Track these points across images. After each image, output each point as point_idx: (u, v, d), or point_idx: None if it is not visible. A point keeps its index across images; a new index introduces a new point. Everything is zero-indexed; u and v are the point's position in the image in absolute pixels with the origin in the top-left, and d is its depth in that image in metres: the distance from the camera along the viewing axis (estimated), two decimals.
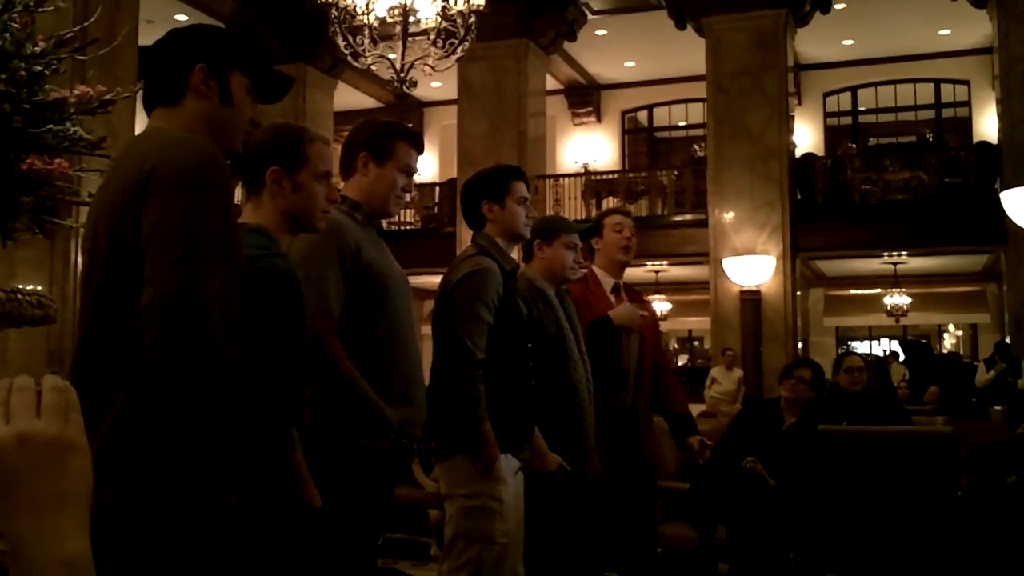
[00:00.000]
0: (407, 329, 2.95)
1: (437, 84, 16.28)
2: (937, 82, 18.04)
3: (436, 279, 3.61)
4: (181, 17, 14.13)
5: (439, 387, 3.31)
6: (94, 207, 1.99)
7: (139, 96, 2.13)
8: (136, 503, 1.75)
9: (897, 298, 19.00)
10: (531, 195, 3.75)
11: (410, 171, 3.06)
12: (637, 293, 4.50)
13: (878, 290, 19.35)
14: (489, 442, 3.22)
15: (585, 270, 4.31)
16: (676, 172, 16.38)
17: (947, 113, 18.34)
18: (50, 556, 0.82)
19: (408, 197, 3.12)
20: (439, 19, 7.46)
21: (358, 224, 2.93)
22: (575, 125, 19.37)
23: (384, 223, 3.29)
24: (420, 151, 3.11)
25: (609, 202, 15.92)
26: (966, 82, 17.63)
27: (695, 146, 17.94)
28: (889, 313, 19.21)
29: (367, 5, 7.50)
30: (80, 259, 10.93)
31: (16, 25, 3.05)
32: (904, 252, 15.63)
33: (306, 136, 2.51)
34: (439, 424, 3.29)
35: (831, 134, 18.54)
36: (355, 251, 2.82)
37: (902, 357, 15.77)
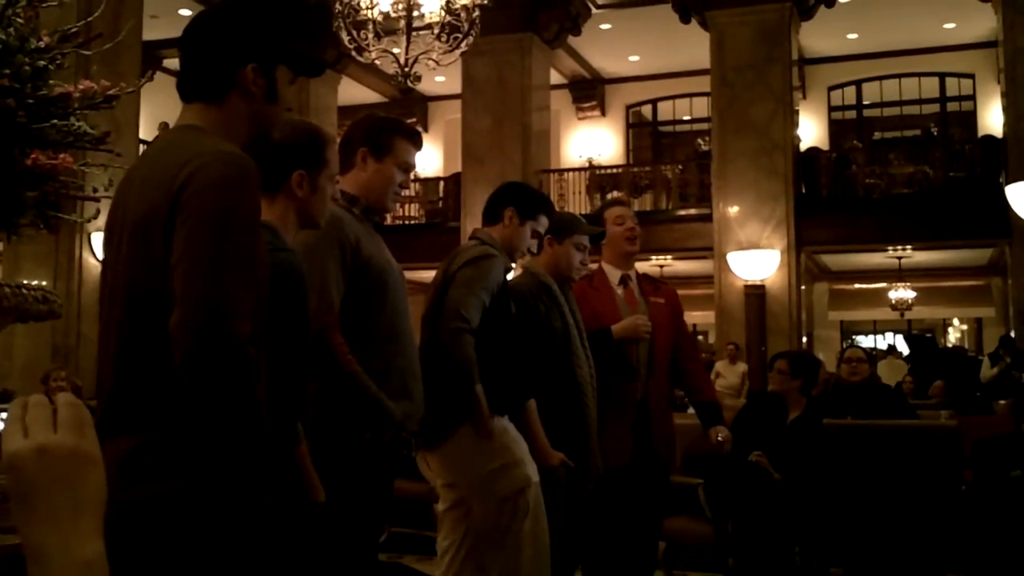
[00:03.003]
0: (405, 324, 2.96)
1: (441, 78, 16.27)
2: (942, 76, 18.00)
3: None
4: (185, 12, 14.14)
5: (429, 375, 3.30)
6: (116, 219, 1.95)
7: (143, 90, 2.10)
8: (177, 504, 1.76)
9: (901, 292, 18.98)
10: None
11: (408, 168, 3.06)
12: (653, 281, 4.43)
13: (882, 284, 19.32)
14: (483, 403, 3.28)
15: (595, 266, 4.31)
16: (680, 166, 16.38)
17: (952, 107, 18.30)
18: (69, 559, 0.87)
19: (404, 193, 3.13)
20: (443, 13, 7.47)
21: (356, 219, 2.93)
22: (579, 119, 19.35)
23: (388, 217, 3.30)
24: (418, 147, 3.11)
25: (614, 196, 15.90)
26: (971, 75, 17.58)
27: (699, 140, 17.93)
28: (893, 307, 19.19)
29: (371, 0, 7.50)
30: (87, 256, 10.93)
31: (20, 20, 3.05)
32: (908, 246, 15.60)
33: (325, 138, 2.53)
34: (433, 408, 3.29)
35: (836, 128, 18.51)
36: (355, 245, 2.83)
37: (905, 352, 15.74)
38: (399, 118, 3.27)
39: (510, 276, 3.67)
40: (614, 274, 4.27)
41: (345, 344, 2.72)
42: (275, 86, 2.01)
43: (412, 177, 18.79)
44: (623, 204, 4.50)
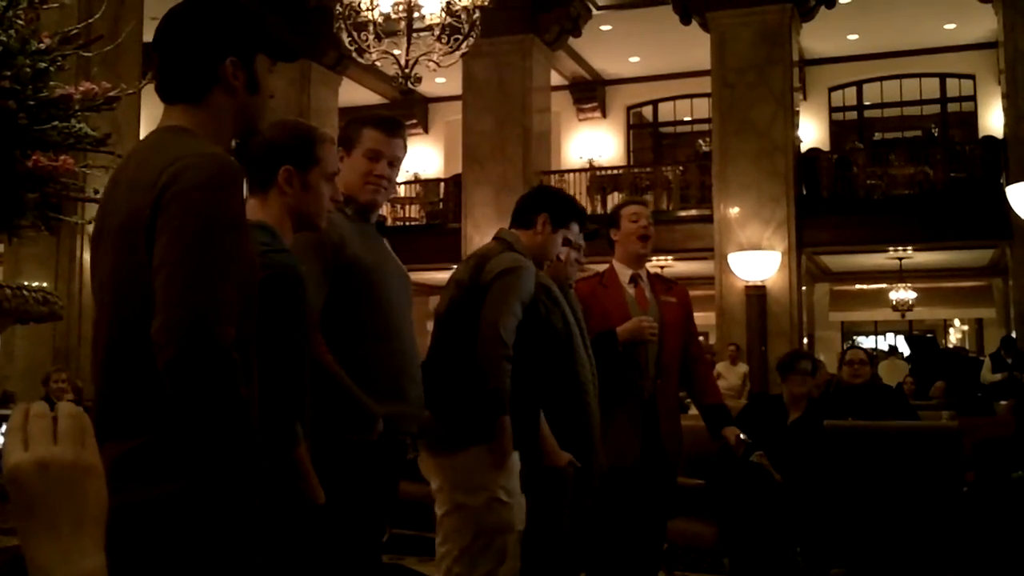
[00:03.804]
0: (399, 324, 2.92)
1: (442, 80, 16.26)
2: (942, 76, 17.99)
3: (441, 275, 3.61)
4: None
5: (444, 378, 3.30)
6: (102, 222, 1.93)
7: (144, 92, 2.08)
8: (166, 509, 1.75)
9: (902, 293, 18.98)
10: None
11: (377, 155, 2.99)
12: (665, 280, 4.44)
13: (883, 285, 19.32)
14: (508, 435, 3.25)
15: (604, 266, 4.31)
16: (681, 167, 16.36)
17: (952, 108, 18.29)
18: (70, 573, 0.87)
19: (386, 183, 3.03)
20: (443, 15, 7.46)
21: (348, 218, 2.92)
22: (580, 120, 19.35)
23: (389, 219, 3.29)
24: (392, 134, 3.03)
25: (614, 197, 15.91)
26: (971, 76, 17.58)
27: (700, 141, 17.92)
28: (895, 308, 19.19)
29: (371, 1, 7.49)
30: (88, 258, 10.94)
31: (21, 22, 3.06)
32: (909, 247, 15.60)
33: (318, 136, 2.51)
34: (447, 416, 3.28)
35: (836, 129, 18.51)
36: (338, 244, 2.81)
37: (904, 351, 15.74)
38: (379, 112, 3.21)
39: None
40: (624, 273, 4.26)
41: (324, 344, 2.71)
42: (256, 76, 1.98)
43: (413, 178, 18.75)
44: (641, 203, 4.49)
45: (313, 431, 2.58)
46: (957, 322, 22.71)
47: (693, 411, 5.67)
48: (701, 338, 22.11)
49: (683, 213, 15.19)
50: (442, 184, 17.71)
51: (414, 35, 7.52)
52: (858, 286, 20.11)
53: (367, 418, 2.73)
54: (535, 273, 3.71)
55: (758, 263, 13.43)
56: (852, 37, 16.85)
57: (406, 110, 18.48)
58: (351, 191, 2.95)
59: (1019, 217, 11.13)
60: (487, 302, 3.31)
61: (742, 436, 4.21)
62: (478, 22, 7.54)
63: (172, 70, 1.97)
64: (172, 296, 1.72)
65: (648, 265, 4.46)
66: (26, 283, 3.23)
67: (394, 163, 3.05)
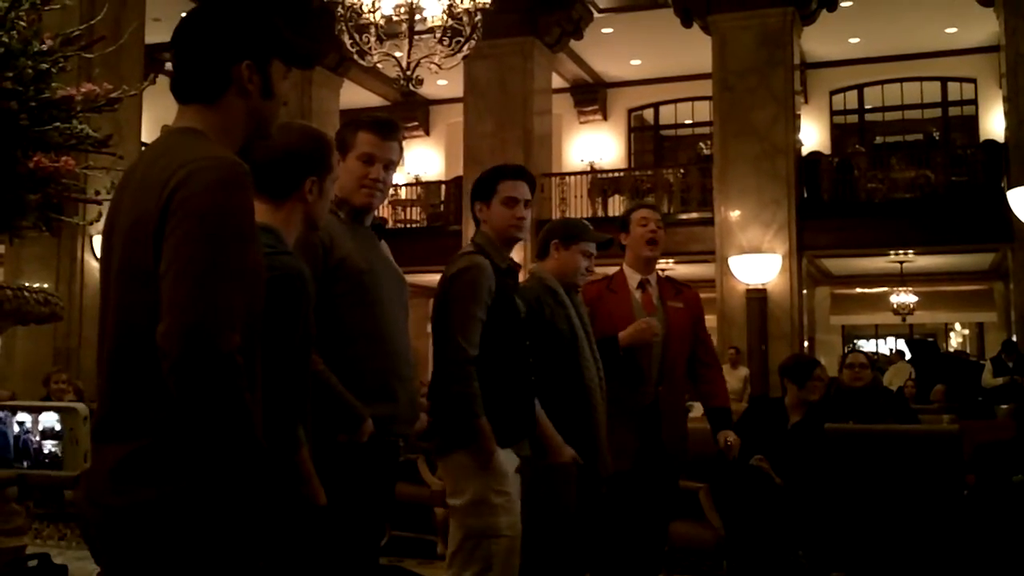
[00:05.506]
0: (390, 325, 2.92)
1: (443, 82, 16.26)
2: (944, 80, 18.00)
3: None
4: None
5: (438, 385, 3.32)
6: (111, 225, 1.93)
7: (146, 93, 2.08)
8: (164, 511, 1.74)
9: (903, 296, 18.98)
10: (536, 192, 3.76)
11: (371, 159, 3.00)
12: (675, 285, 4.43)
13: (884, 288, 19.32)
14: (486, 436, 3.23)
15: (613, 269, 4.31)
16: (682, 170, 16.36)
17: (954, 111, 18.29)
18: None
19: (381, 187, 3.04)
20: (445, 17, 7.47)
21: (341, 221, 2.92)
22: (581, 123, 19.36)
23: (390, 221, 3.29)
24: (385, 137, 3.04)
25: (615, 200, 15.90)
26: (973, 80, 17.58)
27: (701, 144, 17.92)
28: (895, 311, 19.19)
29: (373, 3, 7.50)
30: (88, 259, 10.92)
31: (23, 23, 3.06)
32: (910, 250, 15.60)
33: (331, 143, 2.53)
34: (439, 422, 3.30)
35: (837, 132, 18.51)
36: (328, 246, 2.82)
37: (908, 356, 15.75)
38: (374, 114, 3.21)
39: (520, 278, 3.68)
40: (633, 277, 4.27)
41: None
42: (270, 81, 1.98)
43: (414, 180, 18.71)
44: (651, 207, 4.49)
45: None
46: (958, 326, 22.71)
47: (693, 414, 5.66)
48: None
49: (684, 216, 15.19)
50: (443, 186, 17.73)
51: (415, 37, 7.53)
52: (859, 289, 20.11)
53: (354, 419, 2.73)
54: (546, 276, 3.73)
55: (759, 266, 13.43)
56: (853, 40, 16.86)
57: (407, 112, 18.49)
58: (346, 194, 2.97)
59: (1020, 221, 11.12)
60: (448, 310, 3.33)
61: (729, 440, 4.19)
62: (479, 24, 7.55)
63: (188, 70, 1.97)
64: (177, 301, 1.71)
65: None
66: (27, 284, 3.23)
67: (389, 166, 3.06)
